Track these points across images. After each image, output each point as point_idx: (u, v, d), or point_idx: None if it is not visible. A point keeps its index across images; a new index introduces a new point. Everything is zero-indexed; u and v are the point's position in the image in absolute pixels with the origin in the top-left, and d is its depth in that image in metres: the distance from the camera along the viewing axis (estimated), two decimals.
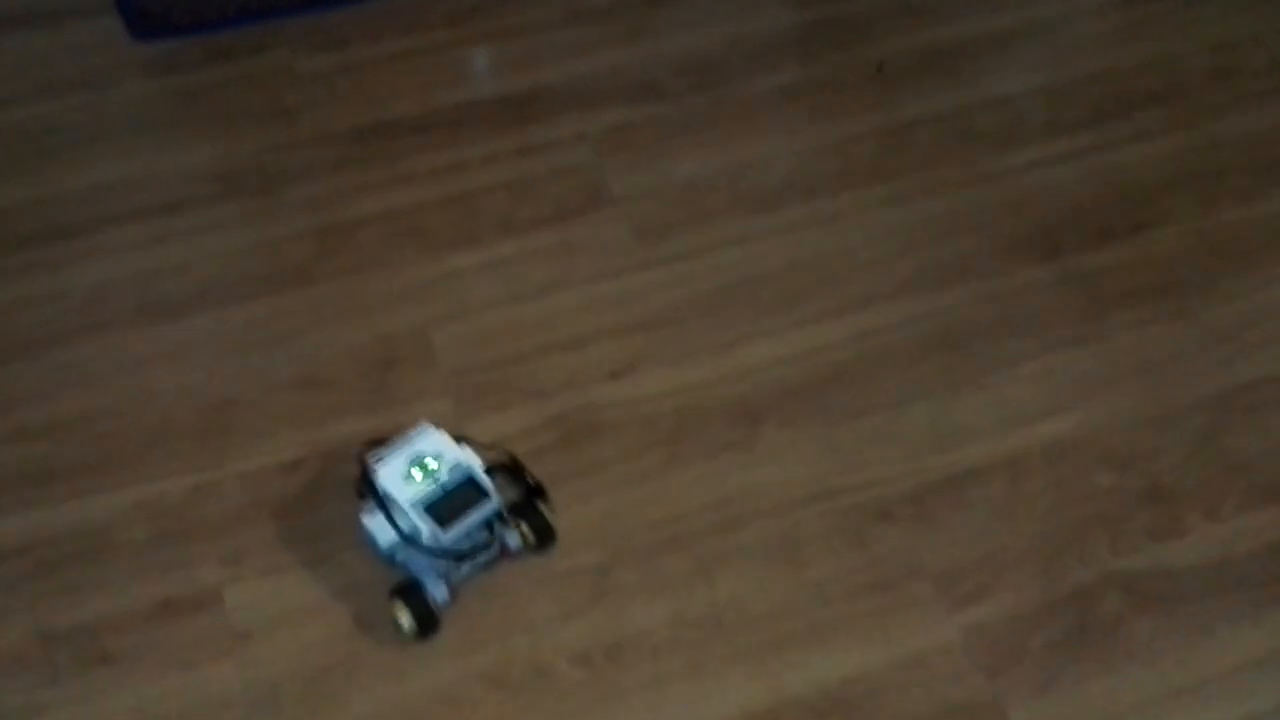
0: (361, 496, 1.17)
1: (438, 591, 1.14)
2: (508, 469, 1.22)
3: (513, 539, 1.18)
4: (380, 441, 1.19)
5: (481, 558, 1.16)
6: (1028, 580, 1.17)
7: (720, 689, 1.11)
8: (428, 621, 1.14)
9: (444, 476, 1.14)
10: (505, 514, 1.17)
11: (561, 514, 1.21)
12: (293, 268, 1.42)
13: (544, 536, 1.19)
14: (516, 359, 1.34)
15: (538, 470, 1.22)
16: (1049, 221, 1.46)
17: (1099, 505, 1.23)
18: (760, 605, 1.16)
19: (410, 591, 1.14)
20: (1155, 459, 1.26)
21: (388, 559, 1.18)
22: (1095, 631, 1.14)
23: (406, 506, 1.13)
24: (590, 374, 1.32)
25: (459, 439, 1.18)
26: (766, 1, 1.72)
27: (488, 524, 1.15)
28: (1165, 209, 1.47)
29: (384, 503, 1.14)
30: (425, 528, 1.13)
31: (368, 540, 1.19)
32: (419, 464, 1.15)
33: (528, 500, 1.20)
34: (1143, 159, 1.52)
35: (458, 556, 1.14)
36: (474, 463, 1.16)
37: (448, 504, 1.13)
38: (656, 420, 1.29)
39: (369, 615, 1.15)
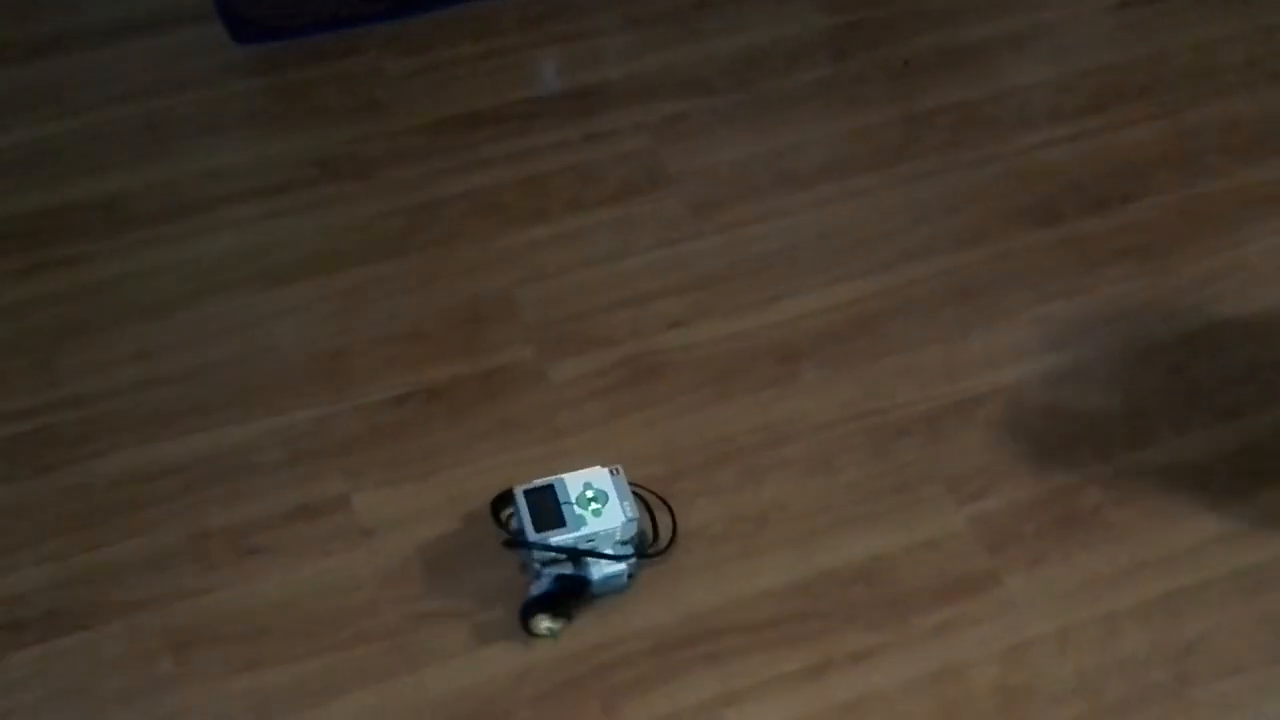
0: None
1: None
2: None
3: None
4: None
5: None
6: (1023, 481, 1.67)
7: (767, 567, 1.60)
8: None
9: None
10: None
11: (630, 438, 1.71)
12: (388, 240, 1.93)
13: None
14: (588, 313, 1.85)
15: (613, 397, 1.71)
16: (1049, 194, 1.98)
17: (1084, 423, 1.73)
18: (799, 504, 1.66)
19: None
20: (1134, 386, 1.76)
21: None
22: (1078, 519, 1.63)
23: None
24: (652, 325, 1.83)
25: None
26: (803, 8, 2.25)
27: None
28: (1151, 183, 1.98)
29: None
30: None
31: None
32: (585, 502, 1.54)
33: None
34: (1132, 141, 2.04)
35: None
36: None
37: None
38: (710, 362, 1.79)
39: (476, 517, 1.61)
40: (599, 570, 1.54)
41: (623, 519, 1.53)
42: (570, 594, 1.55)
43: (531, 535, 1.51)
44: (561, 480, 1.55)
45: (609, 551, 1.54)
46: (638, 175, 2.00)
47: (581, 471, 1.56)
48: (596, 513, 1.53)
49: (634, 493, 1.57)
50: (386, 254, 1.91)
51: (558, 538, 1.51)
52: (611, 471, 1.56)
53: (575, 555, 1.52)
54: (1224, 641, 1.54)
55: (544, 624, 1.54)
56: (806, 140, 2.06)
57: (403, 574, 1.59)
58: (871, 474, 1.68)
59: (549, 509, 1.53)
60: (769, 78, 2.14)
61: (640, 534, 1.58)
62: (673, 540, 1.60)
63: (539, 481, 1.55)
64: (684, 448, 1.71)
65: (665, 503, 1.62)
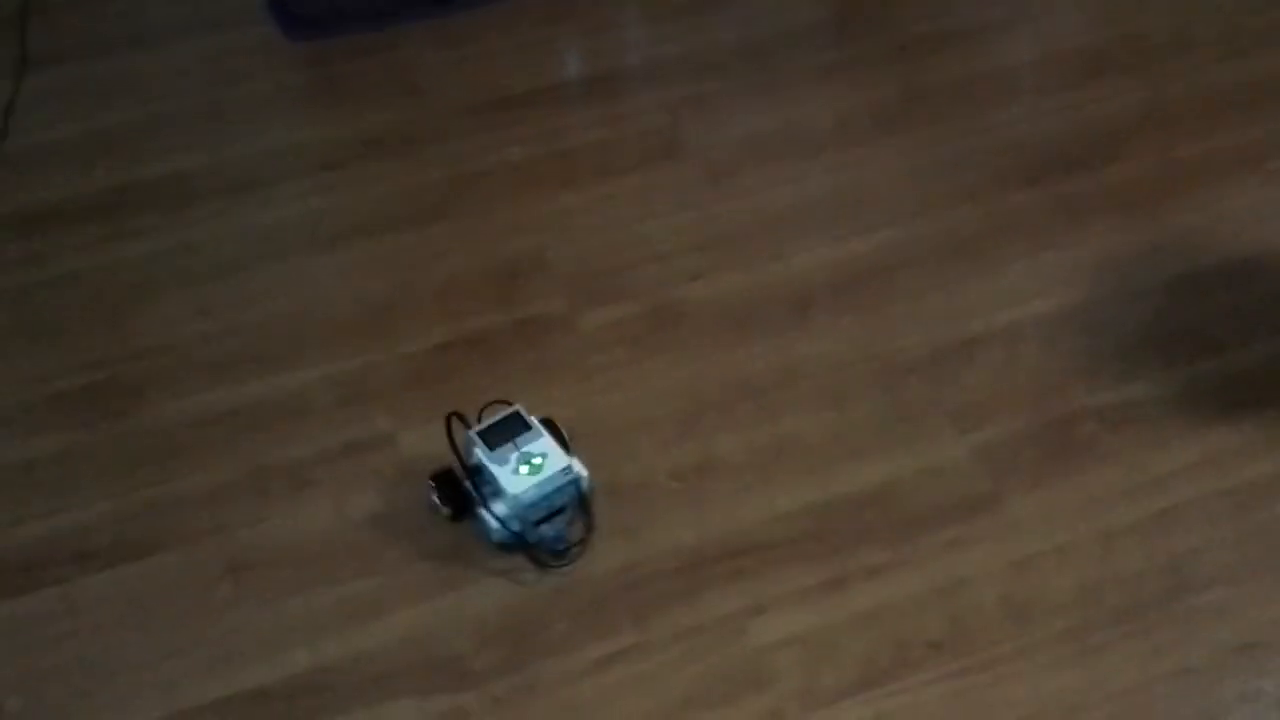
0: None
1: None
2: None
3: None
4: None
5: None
6: (1021, 413, 1.60)
7: (785, 492, 1.54)
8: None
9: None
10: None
11: (656, 378, 1.65)
12: (431, 207, 1.88)
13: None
14: (615, 269, 1.79)
15: (640, 342, 1.67)
16: (1037, 158, 1.92)
17: (1077, 360, 1.66)
18: (813, 436, 1.60)
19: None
20: (1121, 321, 1.70)
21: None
22: (1074, 446, 1.57)
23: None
24: (674, 278, 1.77)
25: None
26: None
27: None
28: (1132, 147, 1.93)
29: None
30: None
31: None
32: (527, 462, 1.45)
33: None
34: (1114, 111, 1.99)
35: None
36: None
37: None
38: (728, 310, 1.74)
39: None
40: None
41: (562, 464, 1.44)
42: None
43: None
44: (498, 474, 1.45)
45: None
46: (657, 148, 1.95)
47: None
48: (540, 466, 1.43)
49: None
50: (428, 219, 1.87)
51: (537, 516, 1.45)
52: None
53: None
54: (1214, 554, 1.48)
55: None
56: (813, 114, 2.01)
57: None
58: (880, 408, 1.62)
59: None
60: (777, 61, 2.09)
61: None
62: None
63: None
64: (705, 387, 1.65)
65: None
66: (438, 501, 1.52)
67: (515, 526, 1.46)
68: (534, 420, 1.48)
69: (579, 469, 1.47)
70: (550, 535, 1.50)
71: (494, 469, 1.44)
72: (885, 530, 1.51)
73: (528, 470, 1.44)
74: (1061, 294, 1.74)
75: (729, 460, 1.58)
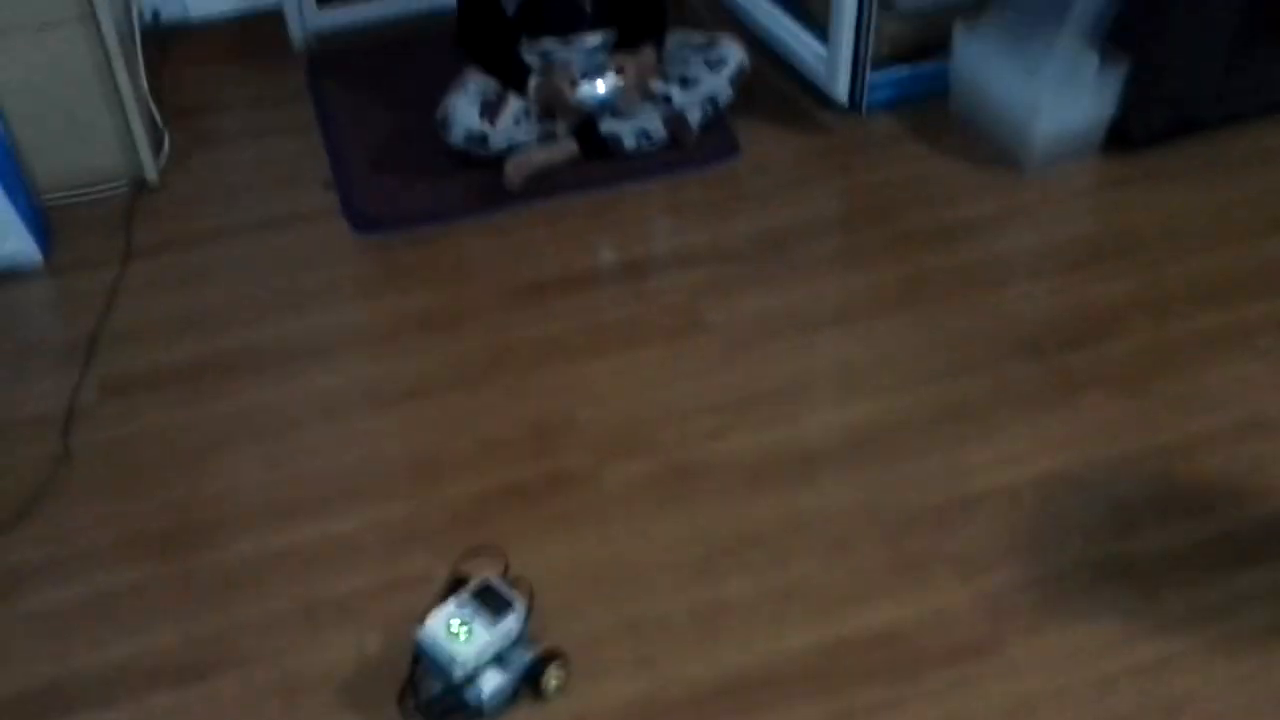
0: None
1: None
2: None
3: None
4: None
5: None
6: (1021, 563, 1.62)
7: (794, 632, 1.54)
8: None
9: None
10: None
11: (674, 526, 1.69)
12: (474, 374, 1.98)
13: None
14: (638, 428, 1.86)
15: (659, 494, 1.72)
16: (1034, 335, 1.99)
17: (1074, 517, 1.69)
18: (821, 581, 1.62)
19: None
20: (1115, 482, 1.73)
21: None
22: (1071, 595, 1.57)
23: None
24: (693, 437, 1.84)
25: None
26: (819, 196, 2.35)
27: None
28: (1125, 326, 1.99)
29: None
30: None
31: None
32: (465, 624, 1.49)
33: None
34: (1108, 293, 2.06)
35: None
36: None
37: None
38: (742, 466, 1.79)
39: (542, 585, 1.54)
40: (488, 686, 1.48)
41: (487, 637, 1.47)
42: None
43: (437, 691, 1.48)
44: (426, 632, 1.48)
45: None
46: (679, 322, 2.05)
47: (440, 612, 1.49)
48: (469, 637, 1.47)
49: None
50: (470, 385, 1.96)
51: (456, 677, 1.46)
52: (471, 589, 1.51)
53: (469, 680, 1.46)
54: (1207, 699, 1.46)
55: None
56: (821, 295, 2.11)
57: None
58: (885, 557, 1.65)
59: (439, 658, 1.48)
60: (789, 248, 2.20)
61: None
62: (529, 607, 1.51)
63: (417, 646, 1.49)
64: (719, 534, 1.69)
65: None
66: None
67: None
68: (510, 622, 1.47)
69: (488, 683, 1.46)
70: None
71: (444, 605, 1.47)
72: (889, 669, 1.51)
73: (452, 629, 1.46)
74: (1058, 457, 1.78)
75: (741, 601, 1.60)
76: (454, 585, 1.56)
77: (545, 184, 2.41)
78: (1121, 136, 2.40)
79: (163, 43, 2.90)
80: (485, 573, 1.54)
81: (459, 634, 1.48)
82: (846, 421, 1.86)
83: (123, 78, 2.35)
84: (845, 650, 1.54)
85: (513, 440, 1.86)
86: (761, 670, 1.52)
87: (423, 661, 1.51)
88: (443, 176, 2.44)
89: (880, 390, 1.91)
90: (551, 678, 1.50)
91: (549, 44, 2.44)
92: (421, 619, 1.49)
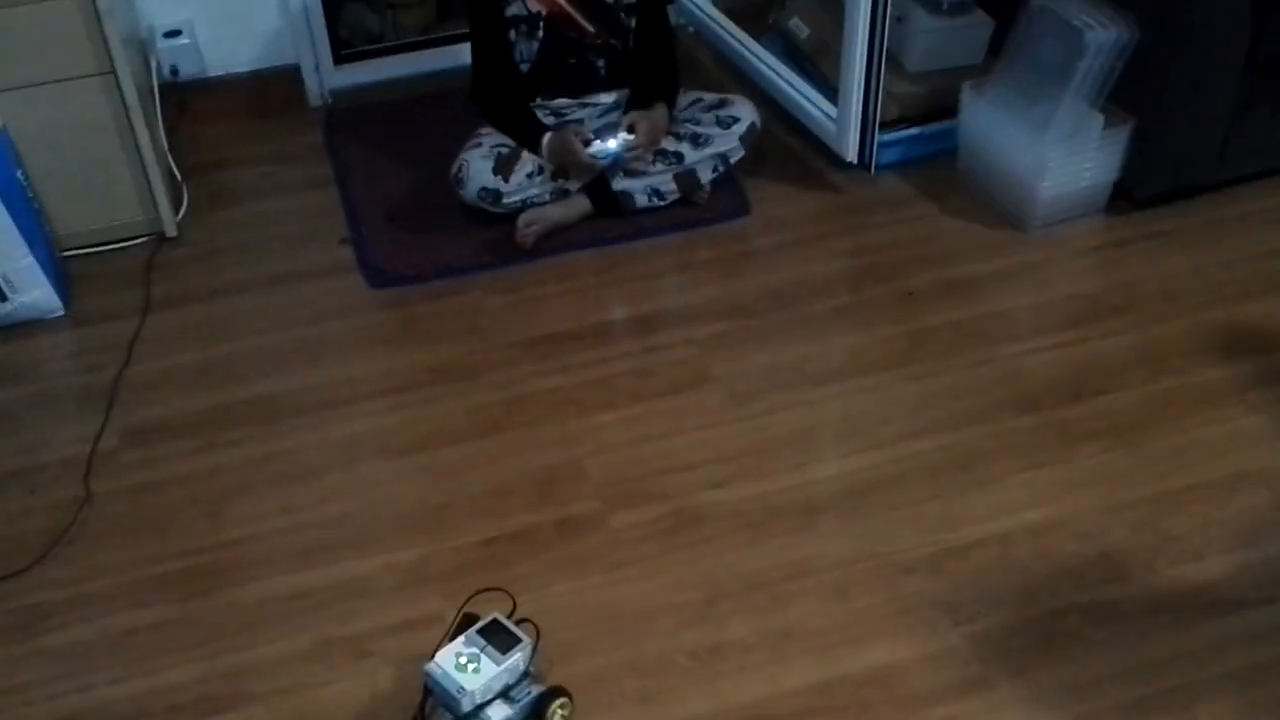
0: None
1: None
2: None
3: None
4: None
5: None
6: (1012, 608, 1.81)
7: (791, 672, 1.73)
8: None
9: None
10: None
11: (677, 570, 1.89)
12: (485, 424, 2.20)
13: None
14: (643, 476, 2.07)
15: (663, 540, 1.92)
16: (1032, 389, 2.19)
17: (1065, 563, 1.88)
18: (818, 624, 1.81)
19: None
20: (1108, 536, 1.92)
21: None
22: (1061, 637, 1.76)
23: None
24: (697, 485, 2.04)
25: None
26: (825, 254, 2.58)
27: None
28: (1121, 381, 2.20)
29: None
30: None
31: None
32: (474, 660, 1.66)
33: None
34: (1105, 349, 2.28)
35: None
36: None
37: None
38: (744, 514, 1.99)
39: (550, 628, 1.73)
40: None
41: (496, 669, 1.64)
42: None
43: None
44: (435, 667, 1.65)
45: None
46: (687, 376, 2.27)
47: (449, 648, 1.66)
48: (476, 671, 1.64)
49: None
50: (483, 434, 2.18)
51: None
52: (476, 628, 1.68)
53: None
54: None
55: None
56: (826, 350, 2.32)
57: None
58: (881, 601, 1.84)
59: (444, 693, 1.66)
60: (797, 305, 2.43)
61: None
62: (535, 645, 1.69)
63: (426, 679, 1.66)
64: (722, 579, 1.88)
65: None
66: None
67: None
68: (517, 659, 1.64)
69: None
70: None
71: (452, 643, 1.64)
72: (883, 707, 1.69)
73: (461, 664, 1.63)
74: (1052, 506, 1.97)
75: (741, 642, 1.79)
76: (464, 623, 1.75)
77: (558, 240, 2.65)
78: (1125, 196, 2.64)
79: (181, 98, 3.17)
80: (494, 612, 1.75)
81: (468, 668, 1.66)
82: (846, 471, 2.06)
83: (142, 133, 2.61)
84: (839, 689, 1.72)
85: (523, 488, 2.07)
86: (758, 707, 1.71)
87: (433, 695, 1.70)
88: (457, 232, 2.68)
89: (881, 442, 2.11)
90: (556, 713, 1.69)
91: (563, 102, 2.69)
92: (432, 654, 1.68)
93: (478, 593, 1.78)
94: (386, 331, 2.47)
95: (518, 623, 1.72)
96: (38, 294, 2.48)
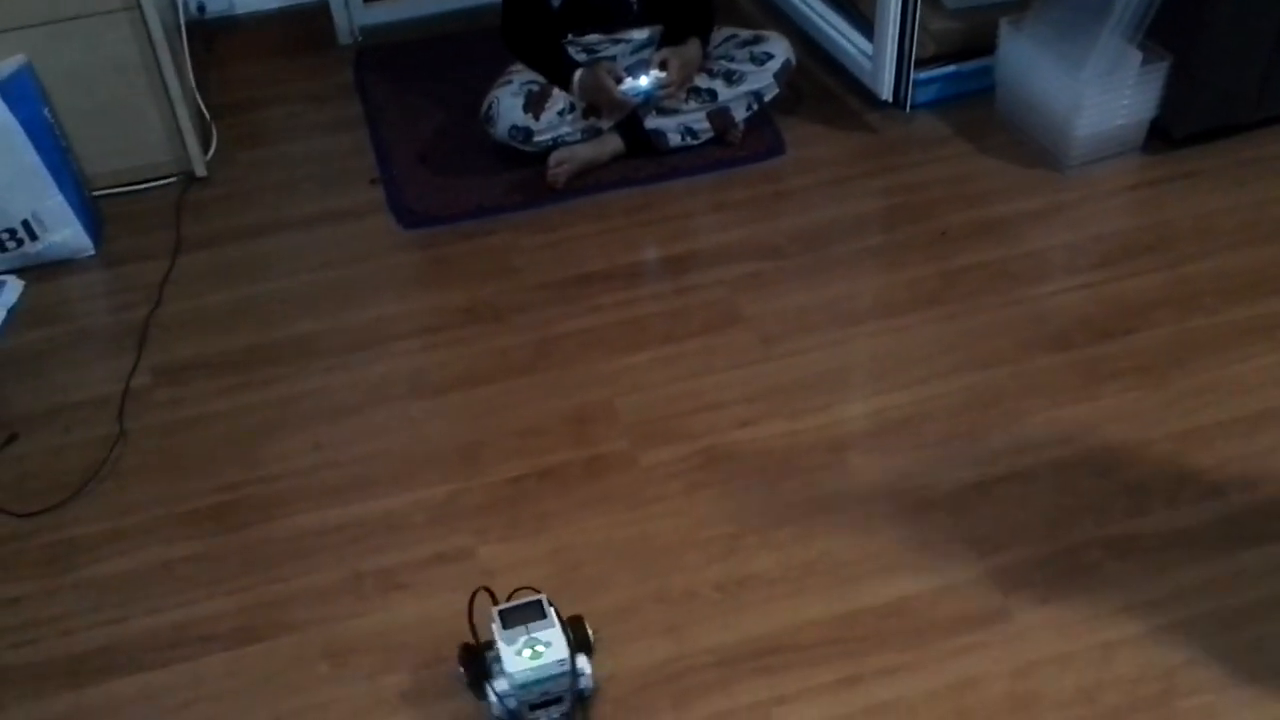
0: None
1: None
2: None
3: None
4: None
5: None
6: (1034, 541, 1.94)
7: (814, 603, 1.86)
8: None
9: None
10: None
11: (704, 507, 2.03)
12: (516, 364, 2.34)
13: None
14: (673, 416, 2.20)
15: (692, 477, 2.05)
16: (1062, 328, 2.31)
17: (1088, 498, 2.00)
18: (843, 557, 1.94)
19: None
20: (1132, 471, 2.04)
21: None
22: (1081, 570, 1.89)
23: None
24: (726, 425, 2.18)
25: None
26: (859, 194, 2.69)
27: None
28: (1151, 319, 2.31)
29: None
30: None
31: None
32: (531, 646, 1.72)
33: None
34: (1137, 288, 2.39)
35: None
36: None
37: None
38: (772, 452, 2.13)
39: (575, 562, 1.93)
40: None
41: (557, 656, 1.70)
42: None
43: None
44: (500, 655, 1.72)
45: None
46: (718, 317, 2.40)
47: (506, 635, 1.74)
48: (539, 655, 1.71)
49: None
50: (515, 374, 2.32)
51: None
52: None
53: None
54: (1204, 666, 1.76)
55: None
56: (858, 290, 2.45)
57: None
58: (904, 535, 1.97)
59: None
60: (829, 245, 2.56)
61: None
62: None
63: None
64: (748, 515, 2.02)
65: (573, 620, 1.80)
66: (461, 668, 1.80)
67: (512, 705, 1.73)
68: (552, 612, 1.74)
69: (583, 667, 1.75)
70: None
71: (502, 646, 1.71)
72: (903, 637, 1.83)
73: (530, 655, 1.70)
74: (1077, 443, 2.10)
75: (766, 575, 1.93)
76: (473, 650, 1.77)
77: (589, 180, 2.78)
78: (1162, 135, 2.73)
79: (209, 37, 3.31)
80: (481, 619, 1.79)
81: (536, 653, 1.70)
82: (874, 410, 2.19)
83: (169, 70, 2.74)
84: (861, 620, 1.86)
85: (553, 427, 2.21)
86: (781, 637, 1.84)
87: (536, 690, 1.72)
88: (488, 172, 2.81)
89: (910, 381, 2.23)
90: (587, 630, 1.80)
91: (594, 38, 2.79)
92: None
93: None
94: (417, 272, 2.62)
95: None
96: (68, 233, 2.64)
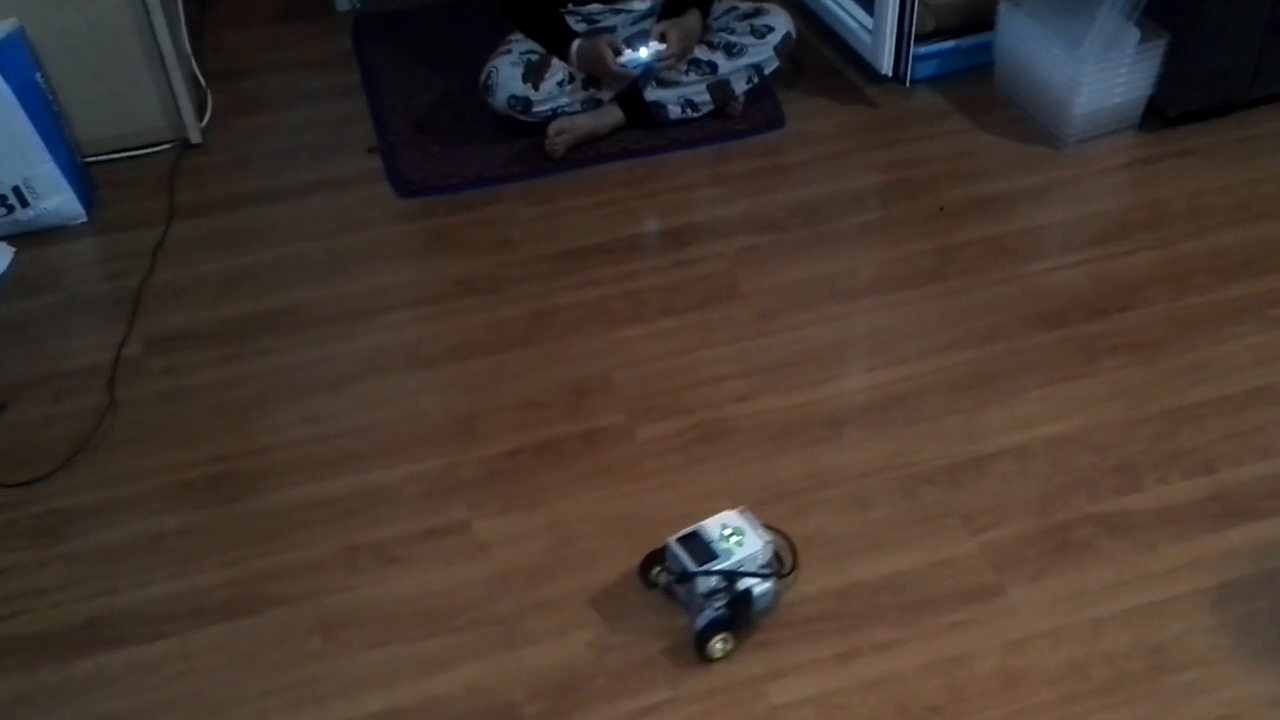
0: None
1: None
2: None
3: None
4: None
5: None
6: (1027, 518, 1.96)
7: (808, 578, 1.88)
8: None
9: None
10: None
11: (701, 481, 2.05)
12: (513, 337, 2.35)
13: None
14: (670, 389, 2.22)
15: (688, 451, 2.07)
16: (1057, 305, 2.33)
17: (1081, 475, 2.03)
18: (838, 532, 1.96)
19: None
20: (1125, 449, 2.06)
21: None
22: (1073, 547, 1.92)
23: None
24: (723, 399, 2.19)
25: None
26: (857, 168, 2.71)
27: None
28: (1145, 297, 2.34)
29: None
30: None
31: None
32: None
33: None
34: (1132, 266, 2.41)
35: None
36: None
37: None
38: (768, 426, 2.14)
39: (572, 537, 1.95)
40: (757, 588, 1.82)
41: (761, 543, 1.82)
42: (741, 613, 1.81)
43: (694, 568, 1.80)
44: (702, 526, 1.85)
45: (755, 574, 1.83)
46: (716, 291, 2.41)
47: (715, 516, 1.86)
48: (739, 544, 1.82)
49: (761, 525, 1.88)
50: (511, 346, 2.33)
51: (717, 566, 1.80)
52: (739, 511, 1.86)
53: (733, 577, 1.79)
54: (1193, 641, 1.79)
55: (719, 645, 1.80)
56: (856, 266, 2.47)
57: (508, 579, 1.93)
58: (899, 511, 1.99)
59: (700, 548, 1.82)
60: (828, 220, 2.57)
61: (775, 555, 1.87)
62: (795, 563, 1.89)
63: (684, 531, 1.85)
64: (744, 489, 2.03)
65: (784, 534, 1.91)
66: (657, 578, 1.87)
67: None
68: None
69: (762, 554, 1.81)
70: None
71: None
72: (896, 612, 1.85)
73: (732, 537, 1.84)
74: (1071, 420, 2.12)
75: None
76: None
77: (589, 151, 2.79)
78: (1158, 113, 2.75)
79: (205, 1, 3.28)
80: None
81: (730, 539, 1.82)
82: (870, 385, 2.21)
83: (164, 35, 2.73)
84: (855, 595, 1.88)
85: (550, 400, 2.22)
86: (775, 612, 1.86)
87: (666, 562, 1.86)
88: (487, 141, 2.82)
89: (906, 357, 2.25)
90: (716, 645, 1.79)
91: (595, 8, 2.79)
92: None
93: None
94: (415, 242, 2.62)
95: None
96: (59, 200, 2.64)
